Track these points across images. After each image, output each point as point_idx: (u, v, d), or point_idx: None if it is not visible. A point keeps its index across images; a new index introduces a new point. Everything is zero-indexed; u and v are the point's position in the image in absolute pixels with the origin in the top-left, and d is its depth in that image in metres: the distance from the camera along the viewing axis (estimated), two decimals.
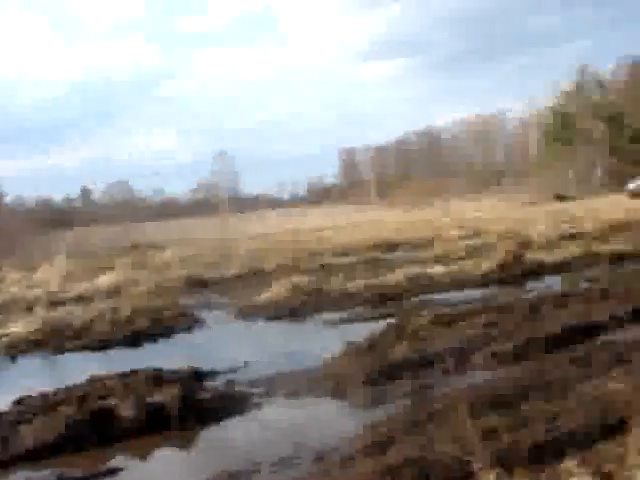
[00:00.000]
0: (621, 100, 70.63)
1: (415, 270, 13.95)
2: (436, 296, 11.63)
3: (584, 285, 11.46)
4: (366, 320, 10.21)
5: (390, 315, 10.05)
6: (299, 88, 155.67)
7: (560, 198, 47.39)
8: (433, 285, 12.68)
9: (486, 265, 13.85)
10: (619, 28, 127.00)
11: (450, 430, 4.73)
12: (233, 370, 7.89)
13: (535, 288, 11.76)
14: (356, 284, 12.98)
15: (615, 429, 4.66)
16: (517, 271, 13.37)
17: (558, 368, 6.36)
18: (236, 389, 7.06)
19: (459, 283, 12.71)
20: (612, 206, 30.69)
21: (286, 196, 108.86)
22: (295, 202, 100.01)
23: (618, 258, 14.19)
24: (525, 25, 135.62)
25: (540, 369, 6.40)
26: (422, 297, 11.65)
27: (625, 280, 11.29)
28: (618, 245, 15.73)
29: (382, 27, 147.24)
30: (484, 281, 12.78)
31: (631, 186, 39.29)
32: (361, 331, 8.96)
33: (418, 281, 13.03)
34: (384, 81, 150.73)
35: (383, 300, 11.57)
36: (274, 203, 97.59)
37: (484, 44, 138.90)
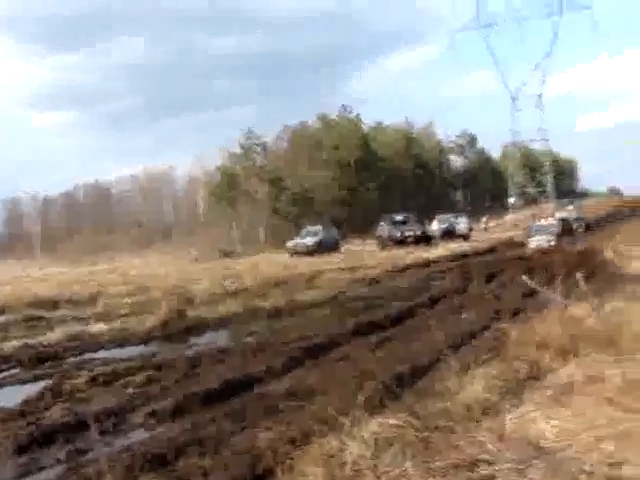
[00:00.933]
0: (282, 164, 76.00)
1: (76, 328, 13.51)
2: (97, 355, 11.33)
3: (243, 339, 11.89)
4: (21, 383, 9.60)
5: (47, 376, 9.56)
6: None
7: (226, 255, 49.24)
8: (94, 343, 12.31)
9: (149, 322, 13.83)
10: (282, 99, 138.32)
11: None
12: None
13: (197, 344, 11.97)
14: (11, 345, 12.19)
15: (264, 478, 4.93)
16: (180, 327, 13.50)
17: (214, 422, 6.52)
18: None
19: (122, 340, 12.48)
20: (273, 263, 32.49)
21: None
22: None
23: (276, 312, 14.96)
24: (201, 85, 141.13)
25: (197, 425, 6.51)
26: (82, 356, 11.26)
27: (281, 333, 11.93)
28: (276, 299, 16.63)
29: (57, 76, 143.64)
30: (147, 338, 12.69)
31: (290, 244, 42.31)
32: (15, 395, 8.43)
33: (79, 339, 12.59)
34: (55, 131, 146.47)
35: (41, 360, 10.98)
36: None
37: (158, 100, 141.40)
